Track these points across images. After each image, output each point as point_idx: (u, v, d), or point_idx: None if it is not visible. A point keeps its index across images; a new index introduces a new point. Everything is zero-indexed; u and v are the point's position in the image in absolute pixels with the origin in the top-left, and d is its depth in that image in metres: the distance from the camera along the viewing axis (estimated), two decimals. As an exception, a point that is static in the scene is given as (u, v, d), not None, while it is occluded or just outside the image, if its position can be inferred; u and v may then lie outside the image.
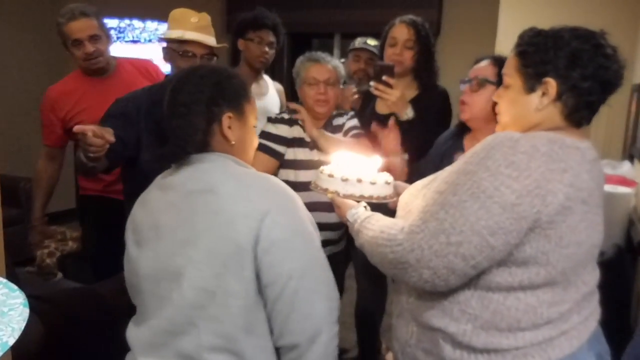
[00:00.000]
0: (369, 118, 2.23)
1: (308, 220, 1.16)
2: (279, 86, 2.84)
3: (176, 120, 1.14)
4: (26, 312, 0.72)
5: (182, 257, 1.08)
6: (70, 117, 2.30)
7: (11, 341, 0.66)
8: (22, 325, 0.69)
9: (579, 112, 1.14)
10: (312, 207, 1.29)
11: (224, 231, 1.06)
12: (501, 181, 1.03)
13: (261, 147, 1.99)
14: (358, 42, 2.91)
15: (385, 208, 1.43)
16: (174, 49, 1.90)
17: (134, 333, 1.19)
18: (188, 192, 1.13)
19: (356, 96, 2.41)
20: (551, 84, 1.13)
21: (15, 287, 0.77)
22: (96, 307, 2.38)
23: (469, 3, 4.33)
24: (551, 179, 1.04)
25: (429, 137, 2.05)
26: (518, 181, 1.03)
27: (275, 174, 2.07)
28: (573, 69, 1.11)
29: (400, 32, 2.13)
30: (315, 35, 5.53)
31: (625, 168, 2.31)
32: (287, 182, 1.31)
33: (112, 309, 2.16)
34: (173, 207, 1.13)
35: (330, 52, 5.05)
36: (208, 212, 1.08)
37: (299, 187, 1.98)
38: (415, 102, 2.07)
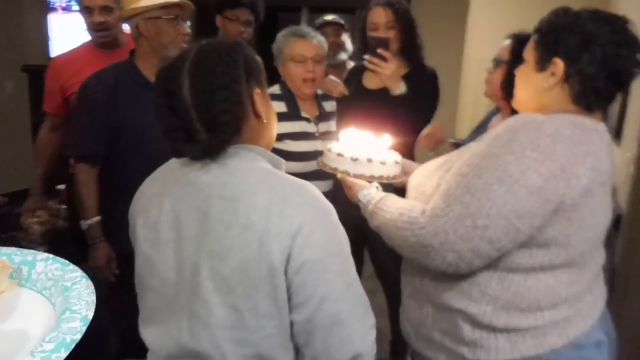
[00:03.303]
0: (357, 94, 2.20)
1: (343, 236, 1.05)
2: None
3: (219, 106, 1.00)
4: (91, 285, 0.71)
5: (208, 271, 1.00)
6: (68, 86, 2.18)
7: (90, 314, 0.66)
8: (94, 297, 0.69)
9: (585, 96, 1.14)
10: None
11: (256, 251, 0.97)
12: (527, 165, 1.03)
13: None
14: (318, 22, 3.00)
15: (392, 187, 1.42)
16: (158, 15, 1.80)
17: (152, 336, 1.11)
18: (215, 196, 1.02)
19: (340, 88, 2.35)
20: (559, 65, 1.13)
21: (66, 261, 0.76)
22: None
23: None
24: (575, 162, 1.05)
25: (418, 115, 2.05)
26: (544, 165, 1.03)
27: None
28: (582, 53, 1.11)
29: (379, 15, 2.11)
30: (282, 8, 5.40)
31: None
32: (282, 153, 1.26)
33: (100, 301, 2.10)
34: (198, 211, 1.03)
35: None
36: (238, 225, 0.98)
37: (292, 156, 1.97)
38: (405, 80, 2.06)
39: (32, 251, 0.78)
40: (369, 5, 2.16)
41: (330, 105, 2.20)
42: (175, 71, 1.04)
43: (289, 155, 1.98)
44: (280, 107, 2.03)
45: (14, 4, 4.60)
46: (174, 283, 1.06)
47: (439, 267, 1.11)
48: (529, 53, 1.21)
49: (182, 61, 1.05)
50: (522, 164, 1.04)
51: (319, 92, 2.17)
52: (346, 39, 2.93)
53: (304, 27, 2.08)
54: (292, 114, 2.04)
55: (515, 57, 1.58)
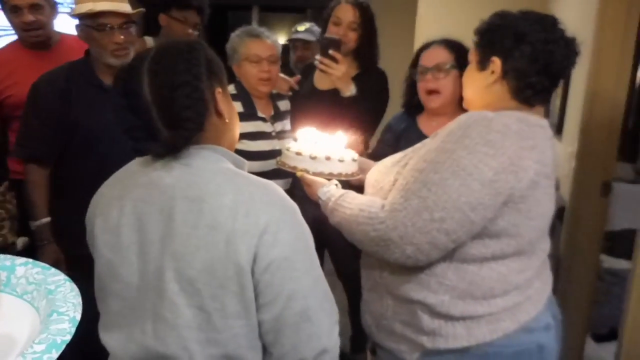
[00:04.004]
0: (308, 94, 2.22)
1: (308, 233, 1.07)
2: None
3: (180, 102, 1.00)
4: (75, 287, 0.72)
5: (174, 273, 0.99)
6: (3, 87, 2.10)
7: (78, 316, 0.67)
8: (80, 299, 0.70)
9: (522, 92, 1.20)
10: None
11: (222, 251, 0.97)
12: (479, 159, 1.09)
13: None
14: (292, 33, 3.08)
15: (350, 185, 1.45)
16: (88, 24, 1.77)
17: (114, 341, 1.09)
18: (179, 197, 1.01)
19: (290, 84, 2.37)
20: (496, 63, 1.20)
21: (46, 265, 0.77)
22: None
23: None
24: (523, 156, 1.11)
25: (368, 115, 2.09)
26: (494, 158, 1.09)
27: None
28: (515, 50, 1.18)
29: (345, 12, 2.11)
30: (232, 7, 5.36)
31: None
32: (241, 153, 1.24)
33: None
34: (161, 212, 1.02)
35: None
36: (203, 226, 0.98)
37: (250, 156, 1.97)
38: (355, 81, 2.09)
39: (9, 256, 0.78)
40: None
41: (284, 105, 2.22)
42: (134, 70, 1.03)
43: (247, 155, 1.95)
44: (237, 107, 2.02)
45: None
46: (137, 287, 1.05)
47: (399, 260, 1.15)
48: (472, 54, 1.27)
49: (141, 60, 1.04)
50: (475, 158, 1.09)
51: (274, 91, 2.19)
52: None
53: (258, 28, 2.09)
54: (248, 114, 2.05)
55: (461, 67, 1.68)
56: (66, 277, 0.72)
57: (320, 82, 2.20)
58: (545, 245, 1.28)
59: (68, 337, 0.62)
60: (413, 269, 1.19)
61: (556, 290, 1.98)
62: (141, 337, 1.03)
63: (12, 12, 2.09)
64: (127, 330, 1.06)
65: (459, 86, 1.36)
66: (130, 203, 1.06)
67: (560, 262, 2.38)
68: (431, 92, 1.75)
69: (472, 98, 1.30)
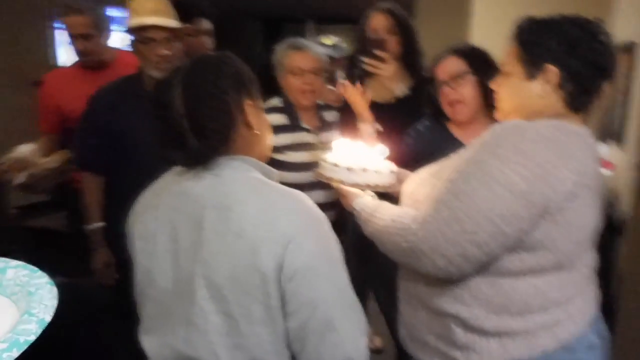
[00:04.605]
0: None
1: (335, 243, 1.08)
2: None
3: (207, 114, 1.04)
4: (54, 290, 0.74)
5: (203, 279, 1.03)
6: (64, 104, 2.28)
7: (48, 317, 0.69)
8: (55, 302, 0.72)
9: (579, 98, 1.17)
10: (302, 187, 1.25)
11: (248, 259, 0.99)
12: (511, 169, 1.06)
13: None
14: (317, 43, 3.04)
15: (388, 196, 1.44)
16: (136, 38, 1.88)
17: (151, 344, 1.14)
18: (208, 206, 1.05)
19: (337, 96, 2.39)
20: (552, 71, 1.16)
21: (35, 268, 0.79)
22: (77, 301, 2.34)
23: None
24: (559, 165, 1.07)
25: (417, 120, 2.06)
26: (527, 168, 1.06)
27: None
28: (572, 56, 1.15)
29: (378, 21, 2.12)
30: (287, 19, 5.48)
31: (603, 151, 2.40)
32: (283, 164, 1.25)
33: (93, 304, 2.14)
34: (192, 221, 1.06)
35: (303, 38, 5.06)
36: (230, 234, 1.01)
37: (293, 167, 2.01)
38: (410, 91, 2.08)
39: (5, 259, 0.82)
40: (366, 14, 2.18)
41: (331, 116, 2.23)
42: (168, 82, 1.08)
43: (290, 166, 2.03)
44: (281, 119, 2.07)
45: (27, 24, 4.74)
46: (171, 292, 1.09)
47: (431, 272, 1.13)
48: (513, 65, 1.23)
49: (176, 73, 1.09)
50: (507, 168, 1.06)
51: (320, 102, 2.21)
52: (337, 71, 2.98)
53: (303, 40, 2.11)
54: (292, 125, 2.08)
55: (477, 71, 1.66)
56: (49, 281, 0.76)
57: (375, 94, 2.19)
58: (589, 260, 1.22)
59: (32, 338, 0.65)
60: (447, 281, 1.17)
61: (617, 308, 1.88)
62: (174, 341, 1.08)
63: (70, 39, 2.28)
64: (162, 335, 1.11)
65: (480, 91, 1.33)
66: (165, 211, 1.11)
67: (622, 280, 2.25)
68: (454, 103, 1.72)
69: (516, 108, 1.25)
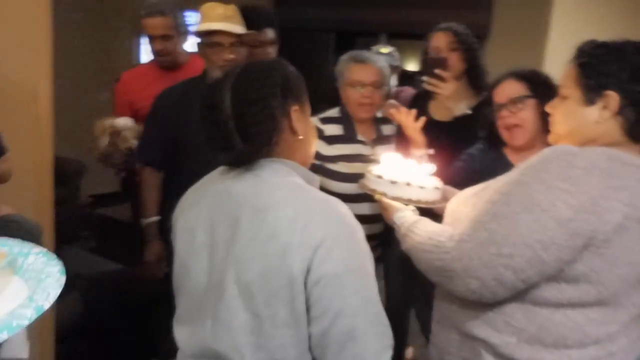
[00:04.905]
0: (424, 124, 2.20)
1: (365, 253, 1.07)
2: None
3: (251, 117, 1.07)
4: (62, 279, 0.75)
5: (234, 276, 1.05)
6: (137, 100, 2.41)
7: (46, 305, 0.69)
8: (58, 291, 0.72)
9: (638, 126, 1.11)
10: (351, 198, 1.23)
11: (277, 261, 1.01)
12: (557, 195, 1.02)
13: None
14: (372, 51, 3.08)
15: (432, 213, 1.42)
16: (203, 42, 1.97)
17: (182, 335, 1.17)
18: (246, 205, 1.07)
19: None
20: (613, 97, 1.11)
21: (54, 255, 0.81)
22: (132, 289, 2.46)
23: (520, 6, 4.24)
24: (609, 196, 1.02)
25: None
26: (574, 196, 1.01)
27: None
28: (634, 82, 1.09)
29: (440, 39, 2.12)
30: (361, 34, 5.50)
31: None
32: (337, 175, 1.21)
33: (147, 294, 2.24)
34: (229, 219, 1.09)
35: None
36: (264, 235, 1.03)
37: (345, 178, 2.01)
38: (474, 110, 2.04)
39: (30, 244, 0.85)
40: (428, 35, 2.18)
41: (389, 129, 2.22)
42: (219, 86, 1.13)
43: (342, 177, 2.04)
44: (337, 129, 2.08)
45: (116, 28, 5.10)
46: (204, 286, 1.12)
47: (463, 293, 1.11)
48: (571, 88, 1.18)
49: (228, 77, 1.14)
50: (551, 194, 1.02)
51: (379, 115, 2.21)
52: (393, 78, 2.98)
53: (365, 52, 2.12)
54: (348, 137, 2.09)
55: (537, 95, 1.60)
56: (61, 269, 0.77)
57: (438, 112, 2.17)
58: (638, 299, 1.14)
59: (25, 322, 0.65)
60: (482, 305, 1.14)
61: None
62: (202, 334, 1.11)
63: (149, 39, 2.41)
64: (192, 327, 1.14)
65: (540, 116, 1.28)
66: (206, 207, 1.15)
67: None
68: (511, 127, 1.66)
69: (570, 133, 1.19)
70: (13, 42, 1.51)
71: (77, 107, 4.43)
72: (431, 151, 1.91)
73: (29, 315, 0.66)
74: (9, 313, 0.65)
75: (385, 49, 3.06)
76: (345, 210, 1.10)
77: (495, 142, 1.80)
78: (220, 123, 1.10)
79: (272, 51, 2.51)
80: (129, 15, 4.88)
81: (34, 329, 1.64)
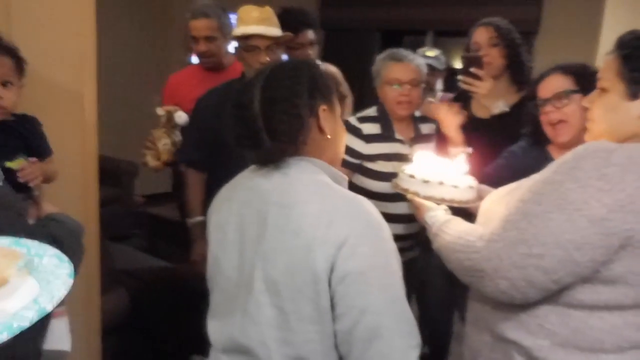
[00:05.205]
0: (464, 122, 2.16)
1: (391, 252, 1.07)
2: (331, 67, 2.85)
3: (278, 116, 1.09)
4: (70, 282, 0.75)
5: (262, 272, 1.07)
6: (183, 103, 2.46)
7: (49, 307, 0.69)
8: (63, 293, 0.72)
9: None
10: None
11: (302, 257, 1.02)
12: (590, 194, 0.98)
13: None
14: (418, 54, 2.95)
15: (467, 212, 1.40)
16: (240, 45, 2.00)
17: (214, 330, 1.20)
18: (273, 203, 1.09)
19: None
20: None
21: (65, 258, 0.82)
22: (178, 288, 2.53)
23: (572, 0, 4.09)
24: None
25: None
26: (610, 195, 0.97)
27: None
28: None
29: (481, 34, 2.06)
30: (407, 32, 5.44)
31: None
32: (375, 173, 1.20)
33: (191, 292, 2.31)
34: (258, 216, 1.11)
35: (423, 50, 4.99)
36: (289, 232, 1.05)
37: (383, 177, 2.00)
38: (514, 107, 1.99)
39: (45, 245, 0.86)
40: (470, 31, 2.13)
41: (428, 128, 2.19)
42: (250, 85, 1.15)
43: (380, 176, 2.03)
44: (375, 128, 2.08)
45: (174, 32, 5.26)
46: (234, 282, 1.15)
47: (493, 294, 1.08)
48: (612, 81, 1.12)
49: (258, 76, 1.16)
50: (585, 192, 0.99)
51: (417, 114, 2.19)
52: (438, 82, 2.92)
53: (402, 51, 2.10)
54: (386, 135, 2.08)
55: (585, 90, 1.52)
56: (71, 272, 0.77)
57: (479, 110, 2.13)
58: None
59: (26, 324, 0.65)
60: (515, 306, 1.11)
61: None
62: (231, 328, 1.13)
63: (193, 41, 2.45)
64: (223, 321, 1.17)
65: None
66: (236, 204, 1.18)
67: None
68: (556, 123, 1.59)
69: (609, 130, 1.14)
70: (60, 48, 1.60)
71: (132, 111, 4.62)
72: (469, 149, 1.88)
73: (31, 316, 0.66)
74: (13, 314, 0.65)
75: (432, 52, 2.99)
76: (371, 208, 1.09)
77: (539, 139, 1.74)
78: (249, 121, 1.12)
79: (311, 52, 2.54)
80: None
81: (80, 323, 1.73)
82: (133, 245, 3.59)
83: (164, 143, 2.32)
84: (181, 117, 2.34)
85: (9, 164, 1.35)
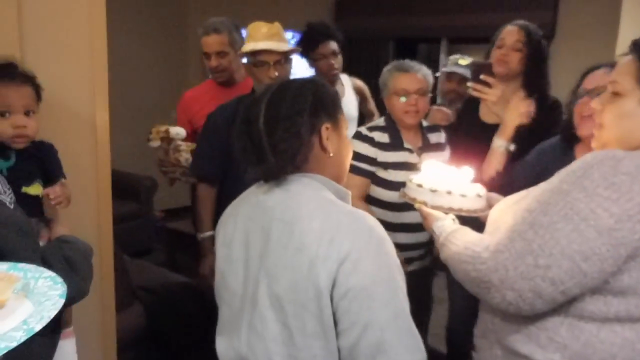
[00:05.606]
0: (473, 127, 2.15)
1: (394, 266, 1.06)
2: (358, 82, 2.85)
3: (279, 134, 1.10)
4: (60, 302, 0.77)
5: (266, 288, 1.08)
6: (195, 119, 2.51)
7: (38, 327, 0.70)
8: (52, 314, 0.73)
9: None
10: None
11: (305, 273, 1.02)
12: (598, 203, 0.96)
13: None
14: (451, 61, 2.95)
15: (477, 221, 1.38)
16: (249, 61, 2.02)
17: (221, 346, 1.20)
18: (276, 219, 1.10)
19: (444, 122, 2.35)
20: None
21: (60, 280, 0.83)
22: (195, 302, 2.54)
23: (587, 4, 4.03)
24: None
25: (529, 149, 1.94)
26: (618, 204, 0.95)
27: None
28: None
29: (510, 34, 2.04)
30: (421, 40, 5.44)
31: None
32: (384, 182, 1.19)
33: (209, 306, 2.31)
34: (262, 232, 1.12)
35: (437, 58, 4.97)
36: (292, 248, 1.05)
37: (393, 186, 2.00)
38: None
39: (40, 268, 0.87)
40: (504, 25, 2.10)
41: (436, 137, 2.19)
42: (258, 101, 1.16)
43: (390, 185, 2.03)
44: (384, 137, 2.08)
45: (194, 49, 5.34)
46: (240, 297, 1.16)
47: (500, 305, 1.06)
48: (625, 83, 1.08)
49: (265, 93, 1.17)
50: (592, 202, 0.96)
51: (425, 123, 2.18)
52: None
53: (408, 61, 2.11)
54: (394, 145, 2.08)
55: None
56: (62, 294, 0.78)
57: (487, 115, 2.12)
58: None
59: (13, 344, 0.66)
60: (523, 319, 1.09)
61: None
62: (238, 344, 1.14)
63: (205, 57, 2.50)
64: (229, 337, 1.18)
65: None
66: (242, 220, 1.19)
67: None
68: (586, 117, 1.52)
69: (621, 137, 1.09)
70: (72, 70, 1.63)
71: (150, 127, 4.68)
72: (513, 147, 1.90)
73: (19, 337, 0.67)
74: (2, 335, 0.67)
75: (464, 61, 2.94)
76: (373, 223, 1.09)
77: (569, 138, 1.70)
78: (255, 137, 1.13)
79: (334, 62, 2.57)
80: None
81: (96, 341, 1.75)
82: (153, 260, 3.63)
83: (186, 158, 2.35)
84: (178, 133, 2.35)
85: (25, 189, 1.37)
